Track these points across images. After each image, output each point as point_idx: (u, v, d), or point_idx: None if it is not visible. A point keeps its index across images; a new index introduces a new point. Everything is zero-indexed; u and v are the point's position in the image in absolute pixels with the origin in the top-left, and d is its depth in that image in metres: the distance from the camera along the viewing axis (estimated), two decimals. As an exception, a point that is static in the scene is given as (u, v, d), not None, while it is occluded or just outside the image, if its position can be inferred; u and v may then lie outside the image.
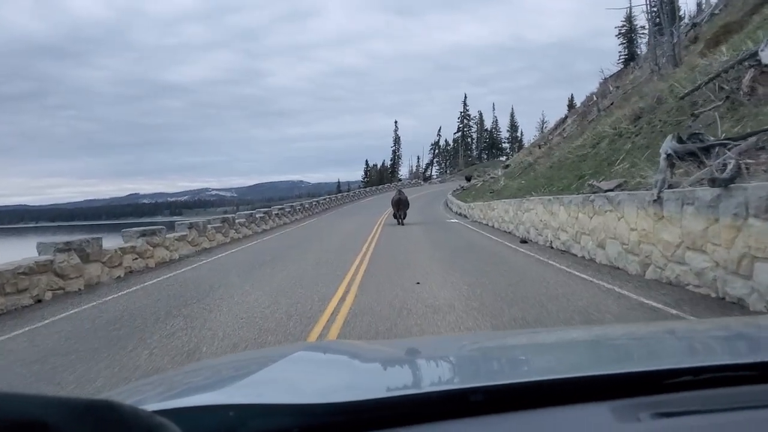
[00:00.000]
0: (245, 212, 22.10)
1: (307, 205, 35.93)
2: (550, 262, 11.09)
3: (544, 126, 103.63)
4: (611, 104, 42.80)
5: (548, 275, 9.42)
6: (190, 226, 15.62)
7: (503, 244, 15.05)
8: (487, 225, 22.93)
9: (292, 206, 31.50)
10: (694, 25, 45.04)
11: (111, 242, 12.36)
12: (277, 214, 27.30)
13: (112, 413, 0.62)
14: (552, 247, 13.54)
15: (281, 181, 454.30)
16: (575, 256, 11.83)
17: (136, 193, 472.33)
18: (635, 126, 18.59)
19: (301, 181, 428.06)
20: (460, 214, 32.46)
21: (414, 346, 1.86)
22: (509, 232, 18.53)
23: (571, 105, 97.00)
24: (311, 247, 15.78)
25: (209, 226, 17.15)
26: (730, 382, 1.03)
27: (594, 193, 11.60)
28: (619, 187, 10.93)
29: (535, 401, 0.97)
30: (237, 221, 20.12)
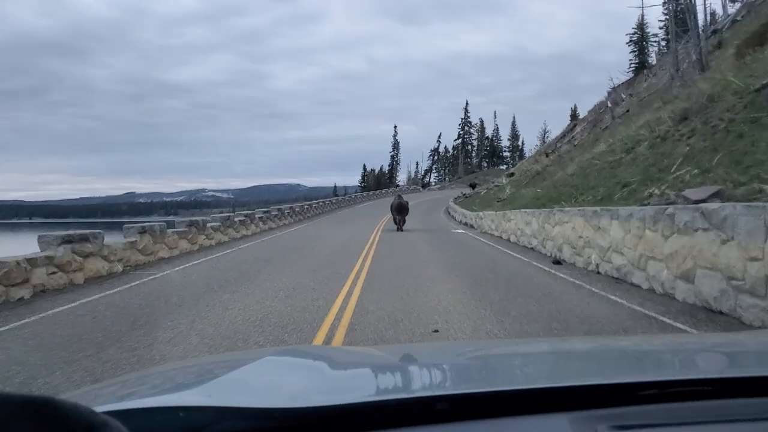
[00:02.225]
0: (220, 215, 19.10)
1: (297, 209, 32.70)
2: (612, 297, 8.09)
3: (546, 136, 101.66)
4: (627, 111, 40.49)
5: (627, 324, 6.43)
6: (143, 231, 12.56)
7: (533, 266, 12.04)
8: (501, 238, 19.94)
9: (279, 209, 28.36)
10: (714, 31, 42.79)
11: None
12: (261, 218, 24.16)
13: (52, 410, 0.61)
14: (599, 272, 10.55)
15: (278, 184, 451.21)
16: (638, 287, 8.86)
17: (132, 192, 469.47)
18: (683, 127, 15.69)
19: (299, 185, 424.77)
20: (466, 224, 29.46)
21: (405, 352, 1.88)
22: (532, 249, 15.53)
23: (574, 115, 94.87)
24: (290, 263, 12.76)
25: (169, 231, 14.09)
26: (694, 396, 1.04)
27: (669, 204, 8.62)
28: (715, 196, 7.92)
29: (498, 410, 0.99)
30: (209, 225, 17.06)
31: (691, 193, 8.30)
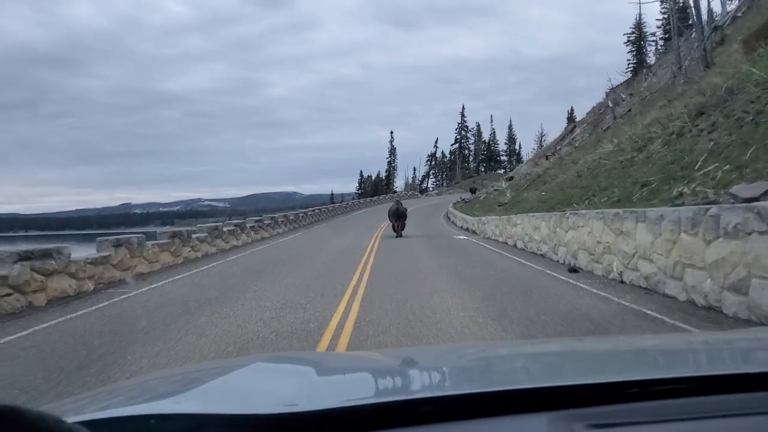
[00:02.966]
0: (207, 225, 17.97)
1: (292, 217, 31.48)
2: (649, 312, 6.99)
3: (543, 139, 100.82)
4: (628, 111, 39.62)
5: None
6: (118, 244, 11.41)
7: (548, 275, 10.95)
8: (506, 244, 18.84)
9: (273, 218, 27.17)
10: (715, 28, 42.04)
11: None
12: (253, 227, 22.99)
13: (17, 418, 0.60)
14: (623, 281, 9.46)
15: (275, 192, 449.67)
16: (673, 299, 7.77)
17: (128, 203, 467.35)
18: (702, 122, 14.66)
19: (295, 193, 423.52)
20: (467, 230, 28.37)
21: (405, 356, 1.93)
22: (542, 255, 14.44)
23: (571, 117, 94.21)
24: (282, 275, 11.64)
25: (149, 243, 12.94)
26: (674, 394, 1.05)
27: (710, 203, 7.54)
28: (770, 194, 6.83)
29: (480, 411, 0.99)
30: (194, 236, 15.90)
31: (741, 190, 7.20)
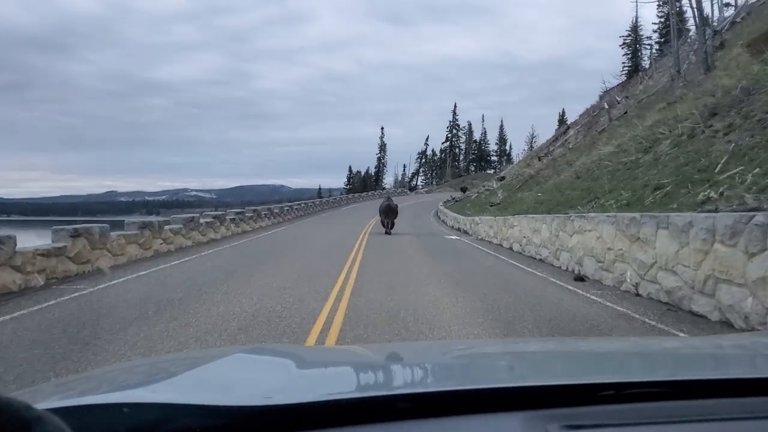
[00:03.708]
0: (182, 216, 16.77)
1: (276, 211, 30.23)
2: (683, 336, 5.96)
3: (534, 140, 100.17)
4: (625, 113, 38.94)
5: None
6: (76, 234, 10.22)
7: (552, 283, 9.93)
8: (501, 246, 17.83)
9: (255, 210, 25.92)
10: (714, 33, 41.50)
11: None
12: (234, 219, 21.77)
13: None
14: (639, 294, 8.46)
15: (262, 185, 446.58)
16: (703, 318, 6.77)
17: (113, 191, 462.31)
18: (717, 123, 13.73)
19: (283, 186, 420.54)
20: (459, 230, 27.35)
21: (390, 351, 1.93)
22: (542, 260, 13.43)
23: (562, 120, 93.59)
24: (259, 275, 10.52)
25: (114, 234, 11.74)
26: (649, 397, 1.04)
27: (751, 210, 6.52)
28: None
29: (455, 409, 0.99)
30: (167, 228, 14.69)
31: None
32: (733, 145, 11.03)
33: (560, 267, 12.17)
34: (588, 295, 8.64)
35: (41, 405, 0.78)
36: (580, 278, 10.26)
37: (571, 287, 9.46)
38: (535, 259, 13.97)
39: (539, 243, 14.05)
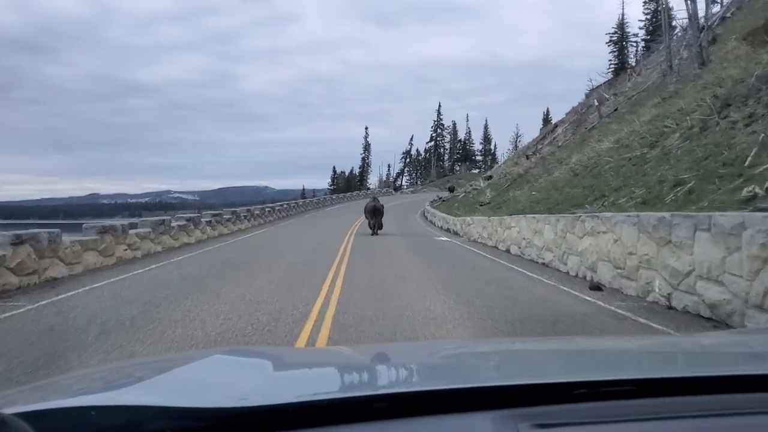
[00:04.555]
0: (152, 219, 15.29)
1: (257, 212, 28.72)
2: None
3: (519, 140, 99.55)
4: (615, 110, 38.21)
5: None
6: (18, 241, 8.80)
7: (565, 293, 8.71)
8: (497, 248, 16.63)
9: (234, 212, 24.43)
10: (704, 28, 41.04)
11: None
12: (210, 222, 20.33)
13: None
14: (671, 307, 7.26)
15: (247, 186, 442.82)
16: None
17: (96, 193, 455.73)
18: (734, 113, 12.64)
19: (267, 187, 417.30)
20: (448, 230, 26.14)
21: (378, 351, 1.86)
22: (545, 264, 12.23)
23: (546, 119, 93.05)
24: (230, 286, 9.18)
25: (69, 240, 10.34)
26: (621, 396, 1.05)
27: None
28: None
29: (430, 408, 0.99)
30: (133, 232, 13.26)
31: None
32: (762, 136, 9.89)
33: (568, 272, 10.97)
34: (611, 307, 7.43)
35: (6, 409, 0.80)
36: (596, 287, 9.05)
37: (588, 297, 8.25)
38: (537, 263, 12.77)
39: (542, 245, 12.85)
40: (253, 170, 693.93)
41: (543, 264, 12.46)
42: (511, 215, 16.51)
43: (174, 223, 16.50)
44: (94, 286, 9.32)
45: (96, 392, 1.23)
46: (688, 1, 31.09)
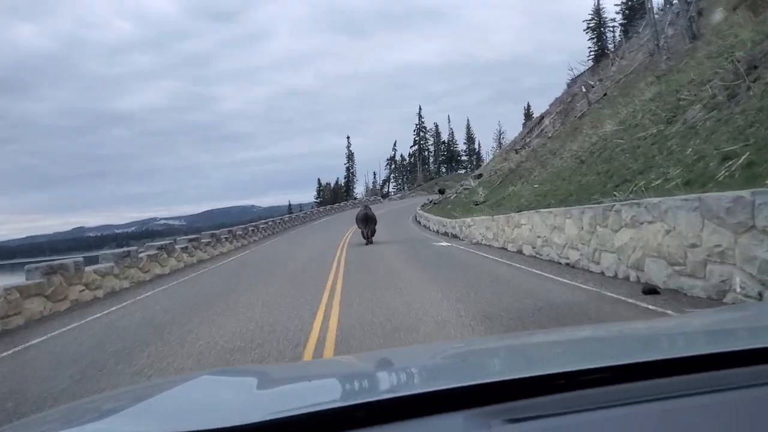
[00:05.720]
0: (113, 252, 13.39)
1: (239, 233, 26.73)
2: None
3: (502, 136, 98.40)
4: (604, 95, 37.05)
5: None
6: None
7: (615, 300, 6.99)
8: (505, 249, 14.94)
9: (213, 234, 22.48)
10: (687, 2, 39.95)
11: None
12: (186, 248, 18.38)
13: None
14: None
15: (232, 207, 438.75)
16: None
17: (80, 227, 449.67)
18: (761, 75, 11.09)
19: (253, 206, 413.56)
20: (446, 234, 24.42)
21: (381, 357, 1.93)
22: (571, 265, 10.54)
23: (528, 114, 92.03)
24: (195, 333, 7.34)
25: (1, 287, 8.48)
26: (595, 383, 1.04)
27: None
28: None
29: (407, 413, 0.99)
30: (91, 269, 11.33)
31: None
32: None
33: (603, 273, 9.28)
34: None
35: None
36: (651, 290, 7.33)
37: (649, 305, 6.55)
38: (560, 264, 11.08)
39: (563, 243, 11.15)
40: (238, 190, 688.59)
41: (567, 264, 10.77)
42: (519, 212, 14.81)
43: (143, 254, 14.59)
44: (29, 344, 7.46)
45: (81, 423, 1.23)
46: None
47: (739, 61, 13.29)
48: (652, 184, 10.05)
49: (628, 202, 8.80)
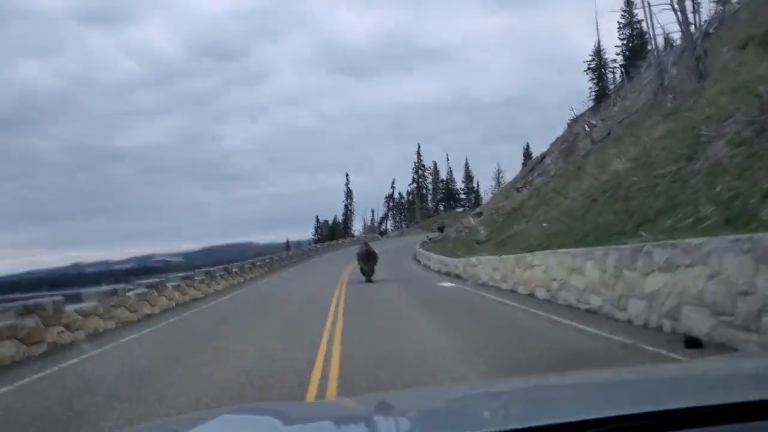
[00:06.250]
0: (96, 290, 12.40)
1: (235, 270, 25.63)
2: None
3: (501, 175, 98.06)
4: (608, 134, 36.74)
5: None
6: None
7: (660, 357, 6.14)
8: (515, 292, 14.09)
9: (208, 272, 21.46)
10: (705, 34, 40.18)
11: None
12: (178, 286, 17.13)
13: None
14: None
15: (232, 244, 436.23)
16: None
17: (78, 263, 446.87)
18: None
19: (252, 243, 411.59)
20: (448, 274, 23.53)
21: (380, 400, 1.84)
22: (594, 312, 9.68)
23: (527, 153, 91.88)
24: (178, 387, 6.41)
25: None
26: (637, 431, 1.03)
27: None
28: None
29: None
30: (72, 309, 10.24)
31: None
32: None
33: (630, 321, 8.43)
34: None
35: None
36: (694, 342, 6.50)
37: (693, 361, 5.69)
38: (579, 309, 10.22)
39: (583, 287, 10.31)
40: (237, 227, 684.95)
41: (588, 311, 9.91)
42: (534, 253, 13.99)
43: (131, 292, 13.68)
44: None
45: None
46: (678, 12, 29.60)
47: (762, 96, 12.71)
48: (680, 224, 9.29)
49: (660, 243, 8.01)
